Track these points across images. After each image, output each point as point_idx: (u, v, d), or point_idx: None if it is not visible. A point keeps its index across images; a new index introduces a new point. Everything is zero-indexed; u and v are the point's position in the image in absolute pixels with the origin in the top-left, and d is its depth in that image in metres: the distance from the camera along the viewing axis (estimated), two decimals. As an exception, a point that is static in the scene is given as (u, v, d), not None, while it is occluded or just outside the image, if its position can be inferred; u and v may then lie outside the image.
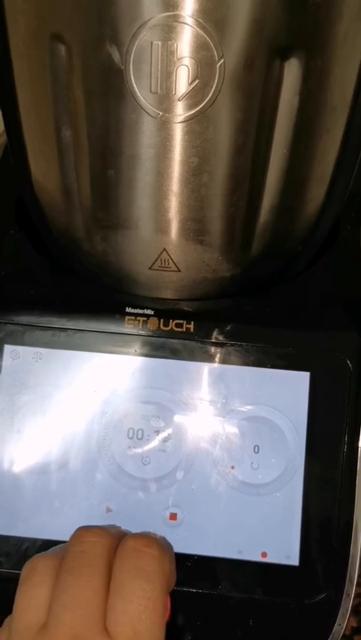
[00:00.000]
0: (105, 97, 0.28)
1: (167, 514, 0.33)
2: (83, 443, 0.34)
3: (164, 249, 0.33)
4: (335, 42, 0.28)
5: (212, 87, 0.27)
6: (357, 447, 0.34)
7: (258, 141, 0.29)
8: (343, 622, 0.33)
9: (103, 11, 0.26)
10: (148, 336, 0.35)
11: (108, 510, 0.34)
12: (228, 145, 0.29)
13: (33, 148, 0.33)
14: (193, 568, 0.33)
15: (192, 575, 0.33)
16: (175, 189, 0.30)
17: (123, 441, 0.34)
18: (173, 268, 0.34)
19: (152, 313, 0.35)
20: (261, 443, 0.34)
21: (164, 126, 0.28)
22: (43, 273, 0.37)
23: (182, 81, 0.26)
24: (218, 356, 0.34)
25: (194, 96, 0.27)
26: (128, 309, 0.35)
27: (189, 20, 0.25)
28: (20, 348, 0.35)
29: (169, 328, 0.35)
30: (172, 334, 0.35)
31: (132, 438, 0.34)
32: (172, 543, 0.32)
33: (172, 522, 0.33)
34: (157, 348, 0.35)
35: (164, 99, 0.27)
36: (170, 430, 0.34)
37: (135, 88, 0.27)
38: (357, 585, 0.33)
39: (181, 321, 0.35)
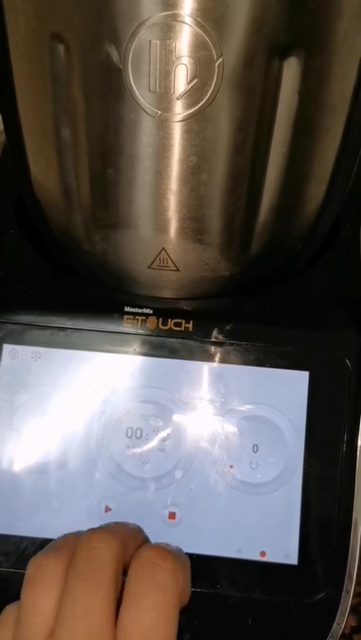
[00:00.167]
0: (104, 96, 0.28)
1: (166, 513, 0.33)
2: (82, 442, 0.34)
3: (163, 248, 0.33)
4: (335, 41, 0.28)
5: (210, 86, 0.27)
6: (357, 446, 0.34)
7: (257, 140, 0.29)
8: (342, 621, 0.33)
9: (102, 10, 0.26)
10: (147, 335, 0.35)
11: (107, 509, 0.34)
12: (227, 144, 0.29)
13: (32, 148, 0.33)
14: (192, 567, 0.33)
15: (191, 574, 0.33)
16: (174, 188, 0.30)
17: (122, 440, 0.34)
18: (172, 267, 0.34)
19: (151, 312, 0.35)
20: (260, 442, 0.34)
21: (162, 125, 0.28)
22: (42, 272, 0.37)
23: (181, 80, 0.26)
24: (217, 355, 0.34)
25: (192, 95, 0.27)
26: (127, 308, 0.35)
27: (188, 19, 0.25)
28: (18, 348, 0.35)
29: (168, 327, 0.35)
30: (170, 333, 0.35)
31: (130, 437, 0.34)
32: (170, 542, 0.32)
33: (171, 521, 0.33)
34: (156, 347, 0.35)
35: (163, 98, 0.27)
36: (169, 429, 0.34)
37: (134, 87, 0.27)
38: (357, 584, 0.33)
39: (180, 320, 0.35)
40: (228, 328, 0.35)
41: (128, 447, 0.34)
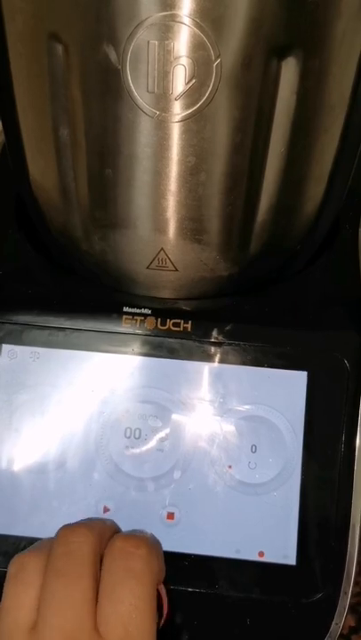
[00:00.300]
0: (102, 96, 0.28)
1: (164, 513, 0.33)
2: (80, 442, 0.34)
3: (162, 248, 0.33)
4: (333, 41, 0.28)
5: (208, 86, 0.27)
6: (355, 447, 0.34)
7: (255, 140, 0.29)
8: (340, 621, 0.33)
9: (100, 10, 0.26)
10: (146, 335, 0.35)
11: (106, 509, 0.34)
12: (225, 144, 0.29)
13: (31, 147, 0.33)
14: (190, 567, 0.33)
15: (189, 574, 0.33)
16: (172, 189, 0.30)
17: (120, 440, 0.34)
18: (171, 267, 0.34)
19: (149, 312, 0.35)
20: (259, 442, 0.34)
21: (161, 125, 0.28)
22: (41, 272, 0.37)
23: (179, 80, 0.26)
24: (215, 355, 0.34)
25: (191, 95, 0.27)
26: (126, 309, 0.35)
27: (186, 20, 0.25)
28: (17, 348, 0.35)
29: (166, 327, 0.35)
30: (169, 333, 0.35)
31: (129, 438, 0.34)
32: (169, 542, 0.32)
33: (170, 521, 0.33)
34: (155, 347, 0.35)
35: (161, 98, 0.27)
36: (167, 430, 0.34)
37: (132, 87, 0.27)
38: (355, 584, 0.33)
39: (179, 320, 0.35)
40: (226, 328, 0.35)
41: (127, 447, 0.34)
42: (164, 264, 0.33)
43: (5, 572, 0.33)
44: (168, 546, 0.31)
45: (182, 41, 0.25)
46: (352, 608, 0.47)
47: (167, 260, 0.33)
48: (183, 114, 0.27)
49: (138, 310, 0.35)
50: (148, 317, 0.35)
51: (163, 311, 0.35)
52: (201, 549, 0.33)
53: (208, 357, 0.34)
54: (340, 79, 0.29)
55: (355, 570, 0.33)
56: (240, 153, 0.30)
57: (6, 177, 0.40)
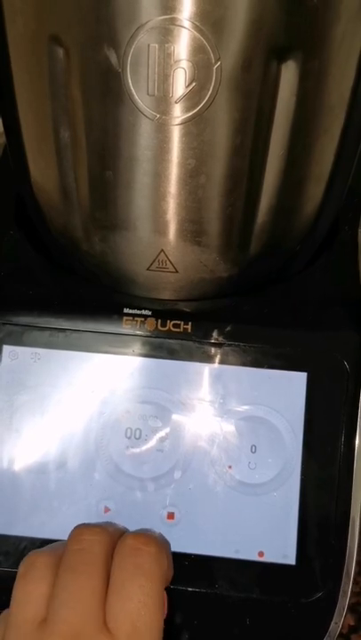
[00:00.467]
0: (102, 99, 0.28)
1: (165, 513, 0.34)
2: (81, 442, 0.34)
3: (162, 250, 0.33)
4: (333, 43, 0.28)
5: (208, 89, 0.27)
6: (354, 447, 0.34)
7: (255, 142, 0.29)
8: (340, 620, 0.33)
9: (101, 13, 0.26)
10: (146, 336, 0.35)
11: (106, 510, 0.34)
12: (225, 146, 0.29)
13: (32, 149, 0.33)
14: (190, 567, 0.33)
15: (189, 574, 0.33)
16: (173, 191, 0.30)
17: (120, 441, 0.34)
18: (171, 268, 0.34)
19: (149, 313, 0.35)
20: (259, 442, 0.34)
21: (161, 128, 0.28)
22: (42, 273, 0.37)
23: (179, 83, 0.26)
24: (215, 356, 0.35)
25: (191, 98, 0.27)
26: (126, 310, 0.35)
27: (186, 23, 0.25)
28: (18, 349, 0.35)
29: (166, 328, 0.35)
30: (169, 335, 0.35)
31: (129, 438, 0.34)
32: (169, 542, 0.32)
33: (170, 521, 0.34)
34: (155, 348, 0.35)
35: (162, 101, 0.27)
36: (167, 430, 0.34)
37: (132, 90, 0.27)
38: (354, 583, 0.33)
39: (179, 321, 0.35)
40: (226, 329, 0.35)
41: (127, 447, 0.34)
42: (164, 265, 0.34)
43: (6, 572, 0.33)
44: (168, 546, 0.32)
45: (182, 44, 0.26)
46: (351, 607, 0.47)
47: (167, 262, 0.33)
48: (183, 117, 0.27)
49: (138, 311, 0.35)
50: (149, 318, 0.35)
51: (163, 312, 0.35)
52: (201, 549, 0.33)
53: (208, 358, 0.35)
54: (339, 80, 0.29)
55: (354, 569, 0.33)
56: (240, 155, 0.30)
57: (7, 177, 0.40)
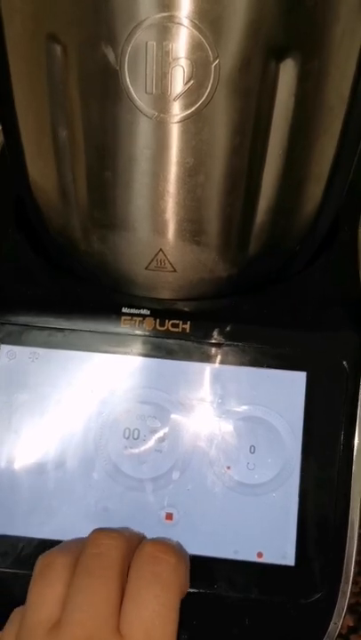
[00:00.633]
0: (100, 97, 0.28)
1: (163, 514, 0.33)
2: (79, 442, 0.34)
3: (161, 249, 0.33)
4: (332, 43, 0.27)
5: (207, 88, 0.27)
6: (353, 447, 0.34)
7: (254, 142, 0.29)
8: (339, 621, 0.33)
9: (99, 11, 0.26)
10: (145, 336, 0.35)
11: (105, 510, 0.34)
12: (223, 145, 0.29)
13: (30, 148, 0.33)
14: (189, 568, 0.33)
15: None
16: (171, 190, 0.30)
17: (119, 441, 0.34)
18: (170, 268, 0.34)
19: (148, 313, 0.35)
20: (257, 443, 0.34)
21: (159, 127, 0.28)
22: (40, 273, 0.37)
23: (177, 81, 0.26)
24: (214, 356, 0.34)
25: (189, 96, 0.27)
26: (124, 309, 0.35)
27: (184, 21, 0.25)
28: (16, 348, 0.35)
29: (165, 328, 0.35)
30: (168, 334, 0.35)
31: (128, 438, 0.34)
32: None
33: (168, 522, 0.33)
34: (154, 348, 0.35)
35: (160, 99, 0.27)
36: (166, 430, 0.34)
37: (130, 88, 0.27)
38: (353, 584, 0.33)
39: (178, 321, 0.35)
40: (225, 329, 0.35)
41: (125, 448, 0.34)
42: (162, 265, 0.34)
43: (4, 573, 0.33)
44: (167, 546, 0.31)
45: (180, 42, 0.25)
46: (351, 608, 0.47)
47: (166, 261, 0.33)
48: (181, 115, 0.27)
49: (137, 311, 0.35)
50: (147, 318, 0.35)
51: (161, 312, 0.35)
52: (200, 550, 0.33)
53: (207, 358, 0.34)
54: (338, 80, 0.29)
55: (353, 570, 0.33)
56: (239, 154, 0.29)
57: (6, 178, 0.40)
